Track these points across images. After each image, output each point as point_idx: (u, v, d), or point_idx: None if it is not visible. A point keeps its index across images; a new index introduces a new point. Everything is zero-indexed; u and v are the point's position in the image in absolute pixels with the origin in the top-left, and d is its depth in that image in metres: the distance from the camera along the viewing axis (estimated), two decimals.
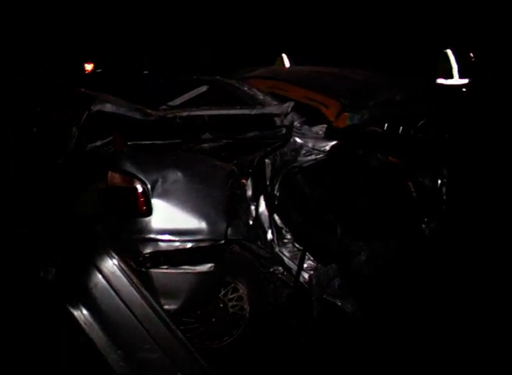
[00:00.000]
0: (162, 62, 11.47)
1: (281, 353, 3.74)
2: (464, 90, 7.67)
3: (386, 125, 4.51)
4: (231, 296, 3.59)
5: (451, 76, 7.75)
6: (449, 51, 7.81)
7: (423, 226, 4.41)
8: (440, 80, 7.69)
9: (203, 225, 3.16)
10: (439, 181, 4.48)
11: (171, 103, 4.48)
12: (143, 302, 3.00)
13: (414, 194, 4.43)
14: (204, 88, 4.61)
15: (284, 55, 9.00)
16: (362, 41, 10.64)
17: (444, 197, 4.49)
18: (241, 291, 3.63)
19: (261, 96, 3.93)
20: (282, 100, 3.82)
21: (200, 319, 3.49)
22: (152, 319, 3.01)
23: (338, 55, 10.12)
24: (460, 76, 7.91)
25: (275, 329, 3.86)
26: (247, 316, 3.65)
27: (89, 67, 10.90)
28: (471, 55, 8.11)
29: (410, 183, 4.41)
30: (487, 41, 10.13)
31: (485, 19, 10.39)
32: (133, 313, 2.99)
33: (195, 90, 4.62)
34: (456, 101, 5.53)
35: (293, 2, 11.47)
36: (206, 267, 3.22)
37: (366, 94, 4.18)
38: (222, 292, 3.55)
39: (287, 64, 8.89)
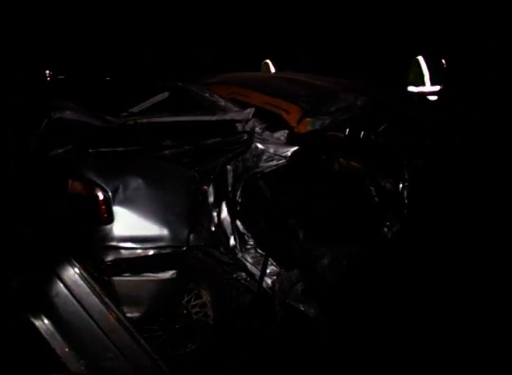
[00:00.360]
0: (162, 62, 11.50)
1: (246, 358, 3.79)
2: (430, 97, 7.83)
3: (348, 130, 4.59)
4: (194, 303, 3.63)
5: (423, 84, 7.79)
6: (420, 58, 7.83)
7: (385, 230, 4.50)
8: (411, 88, 7.78)
9: (165, 232, 3.20)
10: (401, 185, 4.58)
11: (132, 109, 4.52)
12: (105, 311, 3.02)
13: (375, 198, 4.52)
14: (165, 94, 4.65)
15: (268, 61, 8.98)
16: (361, 40, 10.69)
17: (405, 201, 4.59)
18: (204, 297, 3.67)
19: (222, 102, 3.99)
20: (244, 106, 3.89)
21: (163, 326, 3.52)
22: (115, 328, 3.02)
23: (337, 54, 10.23)
24: (432, 83, 7.94)
25: (239, 334, 3.90)
26: (211, 322, 3.69)
27: (49, 74, 10.82)
28: (443, 61, 8.20)
29: (371, 188, 4.50)
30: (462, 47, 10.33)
31: (462, 26, 10.58)
32: (95, 322, 3.00)
33: (157, 96, 4.66)
34: (420, 107, 5.69)
35: (293, 2, 11.52)
36: (168, 274, 3.26)
37: (327, 99, 4.27)
38: (185, 299, 3.59)
39: (272, 70, 8.87)
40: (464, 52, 9.93)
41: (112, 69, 10.69)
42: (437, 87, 7.81)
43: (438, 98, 7.74)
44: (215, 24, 11.60)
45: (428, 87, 7.78)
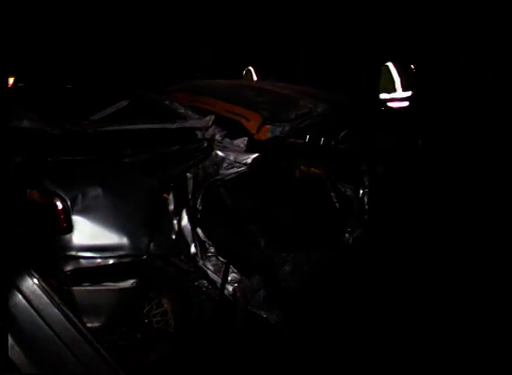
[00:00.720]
0: (162, 62, 11.45)
1: (210, 366, 3.81)
2: (401, 103, 7.95)
3: (308, 137, 4.67)
4: (155, 311, 3.65)
5: (394, 90, 7.80)
6: (390, 65, 7.84)
7: (346, 235, 4.59)
8: (383, 95, 7.82)
9: (124, 240, 3.23)
10: (361, 191, 4.68)
11: (92, 117, 4.53)
12: (65, 321, 3.02)
13: (336, 204, 4.61)
14: (126, 102, 4.68)
15: (251, 68, 8.95)
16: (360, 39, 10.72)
17: (366, 206, 4.69)
18: (166, 305, 3.69)
19: (182, 110, 4.04)
20: (204, 114, 3.94)
21: (124, 335, 3.54)
22: (75, 338, 3.02)
23: (337, 54, 10.26)
24: (403, 89, 7.93)
25: (202, 342, 3.93)
26: (173, 330, 3.71)
27: (10, 81, 10.68)
28: (412, 67, 8.24)
29: (332, 194, 4.59)
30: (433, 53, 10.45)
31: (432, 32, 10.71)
32: (55, 333, 3.00)
33: (117, 104, 4.68)
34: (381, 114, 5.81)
35: (292, 2, 11.52)
36: (129, 283, 3.28)
37: (287, 106, 4.35)
38: (147, 308, 3.60)
39: (255, 77, 8.86)
40: (463, 52, 9.96)
41: (112, 69, 10.68)
42: (408, 93, 7.85)
43: (409, 104, 7.83)
44: (215, 24, 11.59)
45: (399, 93, 7.82)
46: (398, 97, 7.79)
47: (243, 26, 11.43)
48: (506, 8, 9.37)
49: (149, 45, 11.55)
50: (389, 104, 7.72)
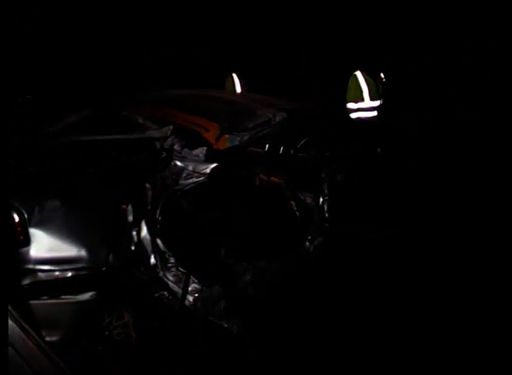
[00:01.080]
0: (162, 62, 11.37)
1: None
2: (370, 112, 8.01)
3: (267, 146, 4.73)
4: (116, 323, 3.65)
5: (361, 99, 7.79)
6: (358, 74, 7.83)
7: (307, 244, 4.64)
8: (350, 104, 7.78)
9: (83, 253, 3.23)
10: (321, 199, 4.74)
11: (51, 128, 4.51)
12: (23, 336, 3.00)
13: (296, 212, 4.66)
14: (85, 113, 4.67)
15: (234, 75, 8.89)
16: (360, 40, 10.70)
17: (326, 214, 4.75)
18: (126, 317, 3.69)
19: (141, 120, 4.06)
20: (163, 124, 3.97)
21: (85, 348, 3.53)
22: (33, 353, 3.01)
23: (337, 55, 10.25)
24: (371, 99, 7.92)
25: (163, 353, 3.93)
26: (134, 342, 3.72)
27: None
28: (382, 75, 8.26)
29: (292, 202, 4.64)
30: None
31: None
32: (13, 347, 2.98)
33: (76, 114, 4.67)
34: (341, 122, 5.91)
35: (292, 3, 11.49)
36: (88, 296, 3.29)
37: (245, 116, 4.40)
38: (107, 320, 3.61)
39: (237, 84, 8.81)
40: (463, 52, 9.98)
41: (112, 69, 10.61)
42: (376, 103, 7.85)
43: (377, 114, 7.84)
44: (215, 24, 11.55)
45: (367, 103, 7.83)
46: (365, 106, 7.79)
47: (241, 26, 11.40)
48: (506, 8, 9.36)
49: (149, 45, 11.51)
50: (357, 113, 7.72)
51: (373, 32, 10.39)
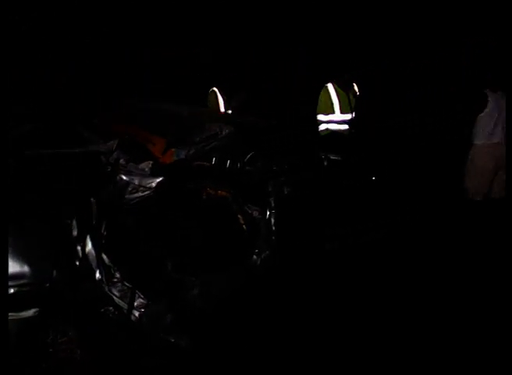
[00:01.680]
0: (162, 62, 11.19)
1: None
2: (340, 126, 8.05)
3: (214, 159, 4.76)
4: (60, 340, 3.62)
5: (332, 112, 7.73)
6: (329, 86, 7.78)
7: (254, 257, 4.68)
8: (320, 116, 7.73)
9: (25, 269, 3.19)
10: (268, 212, 4.80)
11: None
12: None
13: (243, 226, 4.70)
14: (28, 126, 4.62)
15: (215, 89, 8.73)
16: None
17: (273, 228, 4.81)
18: (71, 334, 3.66)
19: (87, 133, 4.05)
20: (109, 137, 3.97)
21: (28, 366, 3.49)
22: None
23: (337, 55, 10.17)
24: (342, 112, 7.86)
25: (110, 369, 3.90)
26: (79, 359, 3.69)
27: None
28: (356, 89, 7.97)
29: (239, 216, 4.68)
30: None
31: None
32: None
33: (19, 128, 4.61)
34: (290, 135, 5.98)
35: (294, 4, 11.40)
36: (31, 312, 3.25)
37: (192, 129, 4.43)
38: (51, 336, 3.57)
39: (220, 98, 8.64)
40: (463, 52, 9.99)
41: (112, 69, 10.44)
42: (347, 116, 7.77)
43: (349, 128, 7.75)
44: (215, 24, 11.41)
45: (337, 116, 7.75)
46: (336, 119, 7.74)
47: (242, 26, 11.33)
48: (506, 8, 9.37)
49: (149, 45, 11.37)
50: (327, 126, 7.71)
51: (370, 32, 10.46)
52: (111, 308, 3.77)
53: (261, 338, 4.24)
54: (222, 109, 8.49)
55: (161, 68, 11.08)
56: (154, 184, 3.78)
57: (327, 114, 7.76)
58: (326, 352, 4.15)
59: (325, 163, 5.95)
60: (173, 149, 4.11)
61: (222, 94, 8.60)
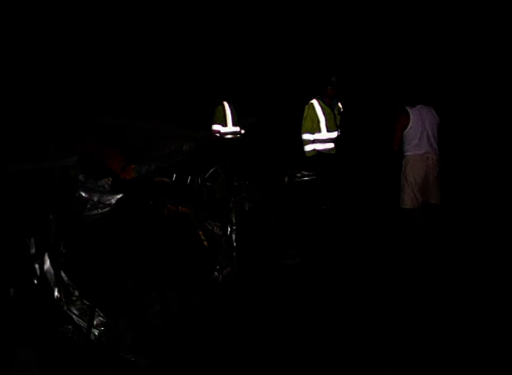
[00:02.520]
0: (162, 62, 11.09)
1: None
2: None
3: (175, 175, 4.76)
4: (18, 360, 3.55)
5: (318, 130, 7.57)
6: (314, 102, 7.62)
7: (215, 273, 4.69)
8: (306, 136, 7.58)
9: None
10: (229, 229, 4.81)
11: None
12: None
13: (204, 242, 4.70)
14: None
15: (226, 103, 8.62)
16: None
17: (234, 243, 4.82)
18: (29, 354, 3.60)
19: (51, 149, 4.01)
20: (72, 152, 3.95)
21: None
22: None
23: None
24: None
25: None
26: None
27: None
28: (340, 105, 7.87)
29: (200, 232, 4.68)
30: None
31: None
32: None
33: None
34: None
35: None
36: None
37: (153, 146, 4.43)
38: (9, 357, 3.51)
39: (228, 112, 8.55)
40: (463, 53, 10.01)
41: (112, 69, 10.31)
42: (333, 134, 7.74)
43: (334, 146, 7.74)
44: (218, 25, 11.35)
45: (323, 134, 7.67)
46: (322, 138, 7.67)
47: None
48: (506, 8, 9.43)
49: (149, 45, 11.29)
50: (313, 146, 7.61)
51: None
52: (70, 327, 3.72)
53: (222, 354, 4.23)
54: (230, 124, 8.53)
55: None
56: (113, 201, 3.76)
57: (313, 133, 7.63)
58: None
59: (287, 181, 5.99)
60: (133, 165, 4.09)
61: (230, 109, 8.59)
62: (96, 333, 3.70)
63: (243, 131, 8.63)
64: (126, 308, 3.90)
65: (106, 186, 3.84)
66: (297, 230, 5.76)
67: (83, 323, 3.68)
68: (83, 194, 3.74)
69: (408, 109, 6.27)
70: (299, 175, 6.19)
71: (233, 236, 4.80)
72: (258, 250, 5.12)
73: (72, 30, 10.29)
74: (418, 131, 6.19)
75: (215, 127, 8.52)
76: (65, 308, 3.65)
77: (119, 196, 3.78)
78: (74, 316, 3.66)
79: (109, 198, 3.76)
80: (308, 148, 7.59)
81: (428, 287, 5.51)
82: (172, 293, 4.25)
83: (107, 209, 3.74)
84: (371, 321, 4.77)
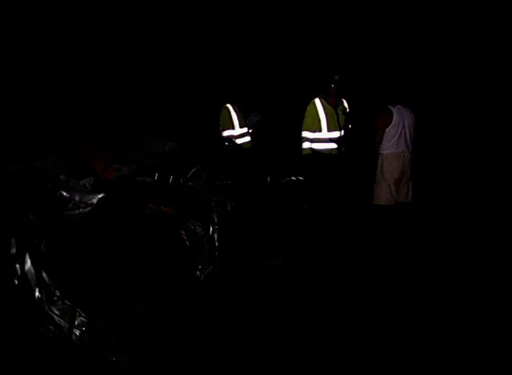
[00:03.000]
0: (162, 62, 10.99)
1: None
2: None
3: (157, 175, 4.75)
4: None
5: (319, 130, 7.57)
6: (316, 101, 7.59)
7: (198, 273, 4.69)
8: (306, 133, 7.60)
9: None
10: (211, 228, 4.81)
11: None
12: None
13: (186, 242, 4.69)
14: None
15: (229, 106, 8.45)
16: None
17: (216, 243, 4.82)
18: (12, 356, 3.58)
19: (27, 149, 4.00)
20: (51, 152, 3.93)
21: None
22: None
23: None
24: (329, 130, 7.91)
25: None
26: None
27: None
28: (346, 105, 7.88)
29: (182, 232, 4.68)
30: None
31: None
32: None
33: None
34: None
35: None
36: None
37: (135, 145, 4.42)
38: None
39: (234, 115, 8.38)
40: (463, 54, 10.02)
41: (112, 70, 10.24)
42: (335, 134, 7.72)
43: (337, 147, 7.76)
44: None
45: (324, 134, 7.69)
46: (323, 137, 7.66)
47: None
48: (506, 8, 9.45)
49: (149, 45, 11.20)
50: (311, 145, 7.62)
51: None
52: (51, 327, 3.70)
53: (207, 355, 4.23)
54: (237, 126, 8.37)
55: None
56: (95, 201, 3.75)
57: (313, 131, 7.62)
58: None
59: (269, 181, 6.00)
60: (115, 165, 4.08)
61: (235, 111, 8.44)
62: (77, 334, 3.69)
63: (250, 131, 8.55)
64: (108, 308, 3.89)
65: (88, 185, 3.83)
66: (279, 231, 5.76)
67: (64, 324, 3.66)
68: (65, 194, 3.73)
69: (391, 108, 6.35)
70: (283, 175, 6.21)
71: (215, 235, 4.80)
72: (240, 250, 5.12)
73: (68, 29, 10.25)
74: (398, 130, 6.31)
75: (226, 133, 8.32)
76: (46, 308, 3.63)
77: (100, 196, 3.77)
78: (55, 317, 3.65)
79: (91, 197, 3.75)
80: (305, 145, 7.60)
81: (401, 280, 5.72)
82: (155, 293, 4.23)
83: (88, 209, 3.73)
84: (354, 320, 4.83)
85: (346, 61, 9.84)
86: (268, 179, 6.03)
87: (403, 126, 6.34)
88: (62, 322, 3.66)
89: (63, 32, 10.13)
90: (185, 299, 4.54)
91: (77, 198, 3.73)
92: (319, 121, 7.60)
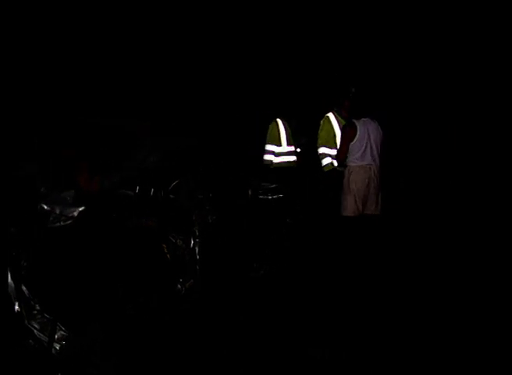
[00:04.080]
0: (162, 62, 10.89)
1: None
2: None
3: (138, 188, 4.75)
4: None
5: (335, 145, 7.20)
6: (330, 115, 7.39)
7: (179, 286, 4.68)
8: (323, 149, 7.40)
9: None
10: (192, 241, 4.82)
11: None
12: None
13: (167, 255, 4.69)
14: None
15: (279, 121, 8.25)
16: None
17: (198, 256, 4.83)
18: None
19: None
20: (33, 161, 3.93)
21: None
22: None
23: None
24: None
25: None
26: None
27: None
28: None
29: (163, 245, 4.68)
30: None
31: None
32: None
33: None
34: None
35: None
36: None
37: (117, 157, 4.42)
38: None
39: (282, 131, 8.21)
40: (463, 55, 10.04)
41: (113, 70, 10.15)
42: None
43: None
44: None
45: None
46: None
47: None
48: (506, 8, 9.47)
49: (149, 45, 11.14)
50: (332, 160, 7.35)
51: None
52: (31, 341, 3.68)
53: (202, 361, 4.23)
54: (284, 144, 8.22)
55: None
56: (76, 214, 3.74)
57: (330, 147, 7.37)
58: None
59: (250, 194, 6.02)
60: (96, 177, 4.08)
61: (285, 127, 8.27)
62: (57, 348, 3.67)
63: (298, 150, 8.40)
64: (89, 322, 3.87)
65: (69, 198, 3.82)
66: (261, 243, 5.79)
67: (44, 337, 3.64)
68: (46, 207, 3.71)
69: (355, 122, 6.44)
70: (263, 188, 6.25)
71: (196, 248, 4.80)
72: (224, 262, 5.13)
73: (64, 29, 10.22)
74: (363, 144, 6.39)
75: (269, 148, 8.18)
76: (25, 322, 3.61)
77: (81, 208, 3.76)
78: (35, 331, 3.62)
79: (72, 210, 3.74)
80: (325, 161, 7.41)
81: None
82: (136, 306, 4.22)
83: (69, 222, 3.72)
84: (347, 324, 4.89)
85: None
86: (250, 192, 6.07)
87: (369, 139, 6.41)
88: (41, 336, 3.63)
89: (63, 32, 10.10)
90: (165, 311, 4.53)
91: (58, 211, 3.72)
92: (334, 136, 7.35)
